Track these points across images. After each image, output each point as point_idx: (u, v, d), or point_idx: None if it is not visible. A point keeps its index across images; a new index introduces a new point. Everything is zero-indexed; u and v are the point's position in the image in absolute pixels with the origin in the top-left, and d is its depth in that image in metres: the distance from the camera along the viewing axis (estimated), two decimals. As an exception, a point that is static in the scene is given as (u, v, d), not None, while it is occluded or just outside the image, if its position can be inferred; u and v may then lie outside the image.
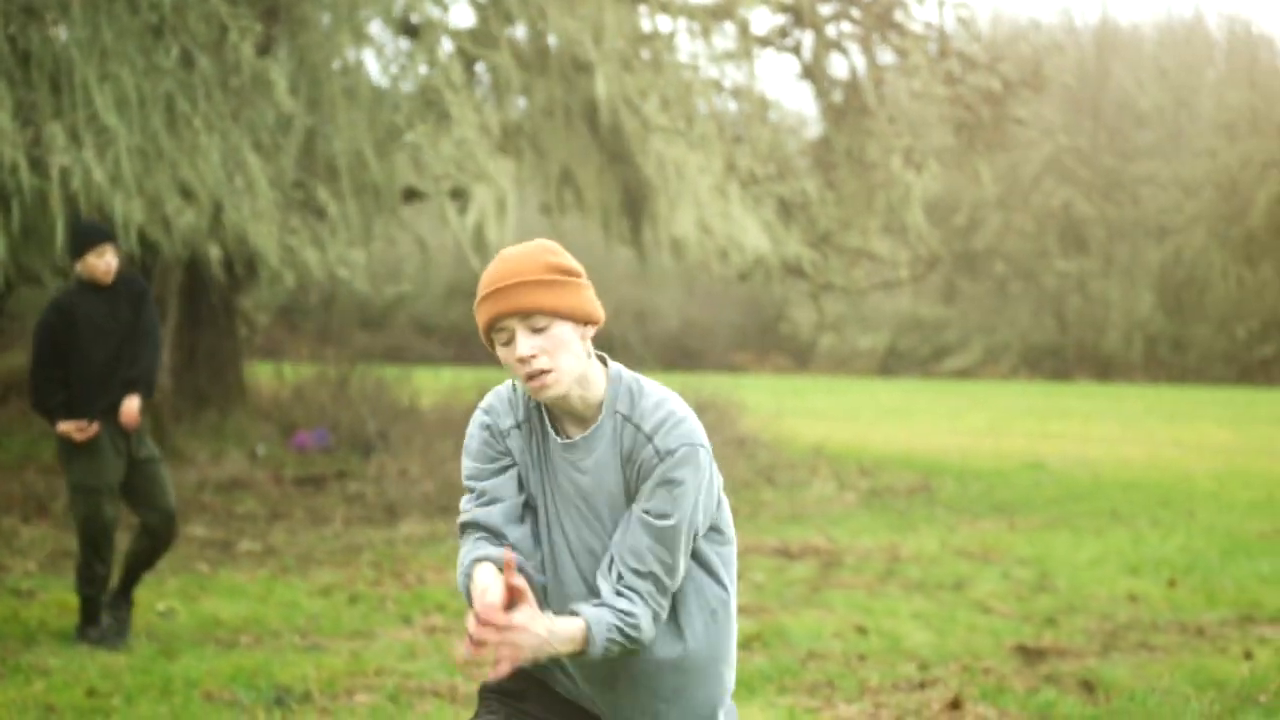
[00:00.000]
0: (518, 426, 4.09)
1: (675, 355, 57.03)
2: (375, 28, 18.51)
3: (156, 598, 10.77)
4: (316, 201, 16.12)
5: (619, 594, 3.94)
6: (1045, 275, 65.68)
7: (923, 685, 8.65)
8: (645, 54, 19.35)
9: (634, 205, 19.63)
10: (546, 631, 3.77)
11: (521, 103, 19.38)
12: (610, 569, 3.98)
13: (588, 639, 3.85)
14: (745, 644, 9.46)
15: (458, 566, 4.04)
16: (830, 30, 22.75)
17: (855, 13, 22.72)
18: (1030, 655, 9.49)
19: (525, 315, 3.88)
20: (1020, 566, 13.15)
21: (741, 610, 9.91)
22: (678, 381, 23.41)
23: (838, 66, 23.17)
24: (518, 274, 3.87)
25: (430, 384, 23.32)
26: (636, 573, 3.94)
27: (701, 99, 19.75)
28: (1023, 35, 46.93)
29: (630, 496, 4.00)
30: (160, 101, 13.87)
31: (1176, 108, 66.01)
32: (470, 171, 16.85)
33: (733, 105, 21.70)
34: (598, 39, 17.76)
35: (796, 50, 23.12)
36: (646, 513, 3.94)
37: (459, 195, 17.90)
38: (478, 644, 3.74)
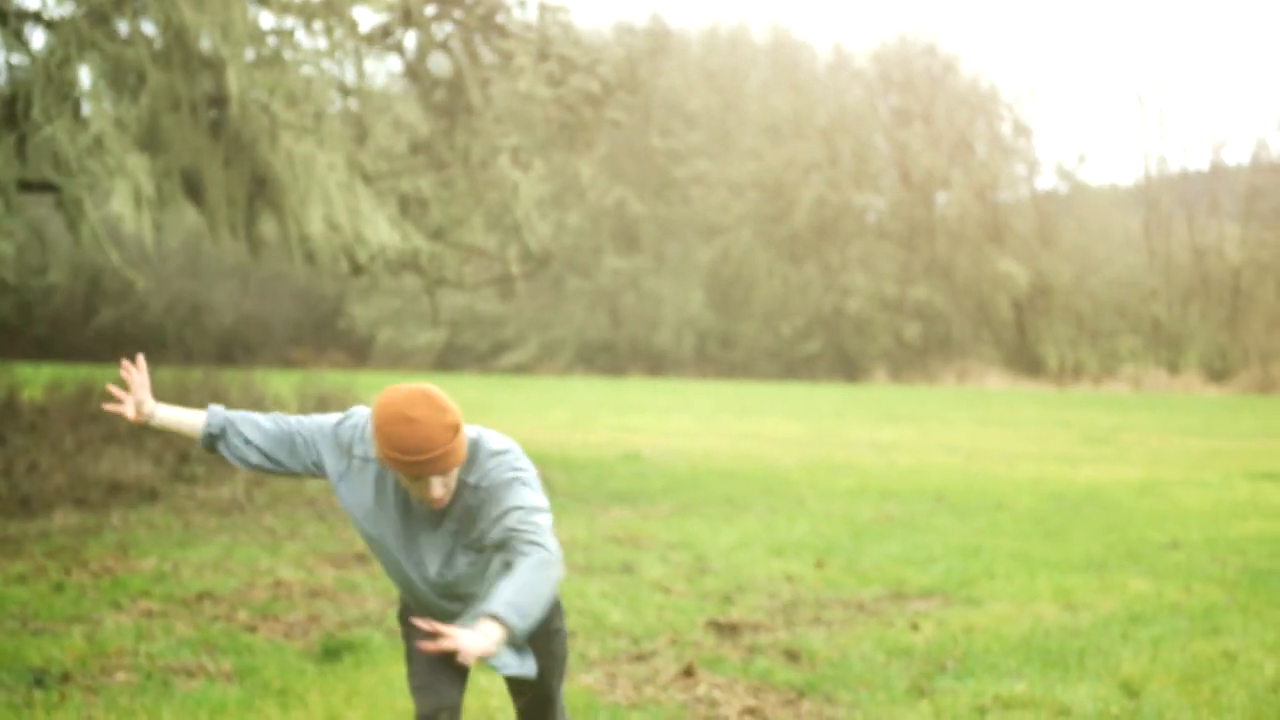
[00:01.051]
0: (367, 460, 5.35)
1: (231, 350, 56.49)
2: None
3: None
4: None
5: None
6: (599, 273, 67.15)
7: (642, 658, 9.19)
8: (269, 51, 19.41)
9: (252, 201, 19.67)
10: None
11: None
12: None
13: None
14: (457, 626, 9.85)
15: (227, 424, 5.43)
16: (435, 30, 23.10)
17: (458, 14, 23.13)
18: (725, 630, 10.11)
19: (442, 474, 5.08)
20: (674, 551, 13.78)
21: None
22: (238, 378, 23.68)
23: (442, 66, 23.56)
24: (434, 447, 5.01)
25: (30, 378, 22.89)
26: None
27: (324, 96, 19.87)
28: (617, 39, 47.90)
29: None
30: None
31: (724, 110, 68.23)
32: (107, 166, 16.70)
33: (354, 103, 21.87)
34: (226, 34, 17.76)
35: (399, 49, 23.42)
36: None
37: (95, 189, 17.69)
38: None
